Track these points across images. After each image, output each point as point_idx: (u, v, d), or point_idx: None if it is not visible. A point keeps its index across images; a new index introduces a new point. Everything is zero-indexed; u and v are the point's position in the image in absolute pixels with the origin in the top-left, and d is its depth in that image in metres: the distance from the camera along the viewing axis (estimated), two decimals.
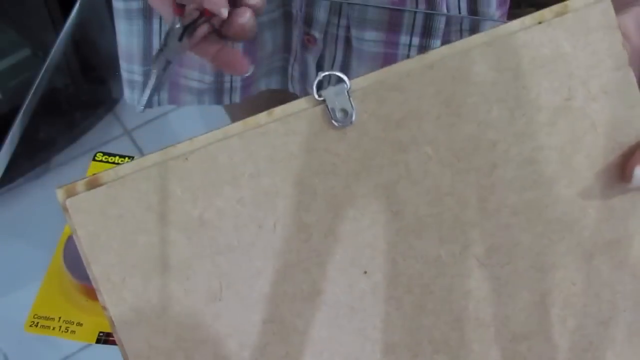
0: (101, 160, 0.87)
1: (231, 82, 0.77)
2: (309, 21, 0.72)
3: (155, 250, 0.33)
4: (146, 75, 0.78)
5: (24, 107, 0.75)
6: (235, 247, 0.33)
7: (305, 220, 0.33)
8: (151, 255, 0.33)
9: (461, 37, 0.74)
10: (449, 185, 0.33)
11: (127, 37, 0.76)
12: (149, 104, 0.47)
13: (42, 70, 0.77)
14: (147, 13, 0.73)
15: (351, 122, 0.32)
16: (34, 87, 0.76)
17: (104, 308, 0.34)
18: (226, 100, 0.78)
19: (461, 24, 0.73)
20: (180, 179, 0.32)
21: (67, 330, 0.77)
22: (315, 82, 0.33)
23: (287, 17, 0.74)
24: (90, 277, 0.34)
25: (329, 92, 0.32)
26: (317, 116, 0.32)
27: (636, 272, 0.34)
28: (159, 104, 0.79)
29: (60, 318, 0.78)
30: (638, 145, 0.34)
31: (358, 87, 0.32)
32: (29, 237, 1.40)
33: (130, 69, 0.79)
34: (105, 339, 0.76)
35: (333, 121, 0.32)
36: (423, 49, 0.72)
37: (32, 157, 1.43)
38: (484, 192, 0.33)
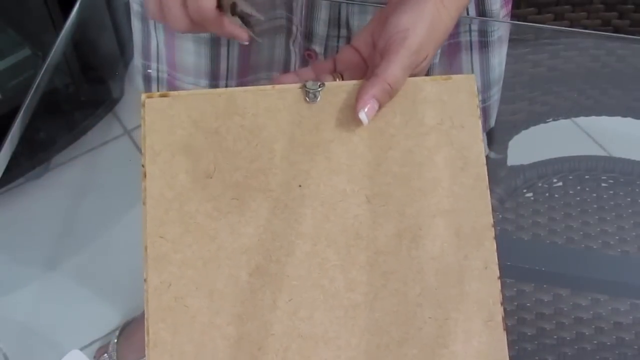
0: None
1: (226, 87, 0.78)
2: (309, 36, 0.72)
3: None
4: (162, 71, 0.80)
5: (24, 107, 0.75)
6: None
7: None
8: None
9: (470, 38, 0.74)
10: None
11: (143, 36, 0.78)
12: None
13: (42, 70, 0.77)
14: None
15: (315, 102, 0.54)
16: (34, 87, 0.76)
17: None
18: None
19: (470, 25, 0.73)
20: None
21: None
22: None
23: (286, 34, 0.75)
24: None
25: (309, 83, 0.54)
26: (298, 93, 0.54)
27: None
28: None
29: None
30: (360, 95, 0.52)
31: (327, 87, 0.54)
32: (29, 237, 1.40)
33: (147, 65, 0.80)
34: None
35: (306, 98, 0.54)
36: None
37: (32, 157, 1.43)
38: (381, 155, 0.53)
